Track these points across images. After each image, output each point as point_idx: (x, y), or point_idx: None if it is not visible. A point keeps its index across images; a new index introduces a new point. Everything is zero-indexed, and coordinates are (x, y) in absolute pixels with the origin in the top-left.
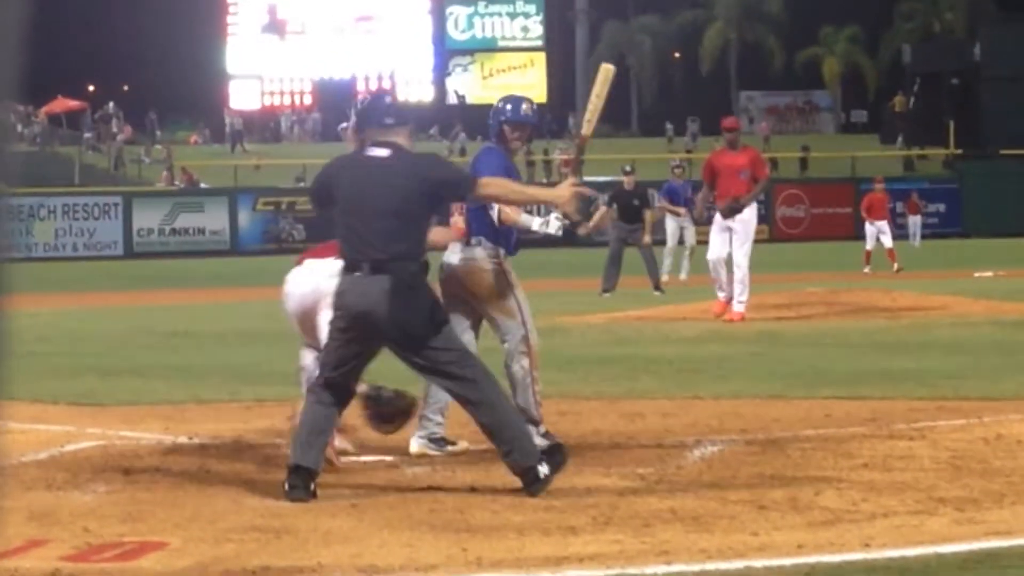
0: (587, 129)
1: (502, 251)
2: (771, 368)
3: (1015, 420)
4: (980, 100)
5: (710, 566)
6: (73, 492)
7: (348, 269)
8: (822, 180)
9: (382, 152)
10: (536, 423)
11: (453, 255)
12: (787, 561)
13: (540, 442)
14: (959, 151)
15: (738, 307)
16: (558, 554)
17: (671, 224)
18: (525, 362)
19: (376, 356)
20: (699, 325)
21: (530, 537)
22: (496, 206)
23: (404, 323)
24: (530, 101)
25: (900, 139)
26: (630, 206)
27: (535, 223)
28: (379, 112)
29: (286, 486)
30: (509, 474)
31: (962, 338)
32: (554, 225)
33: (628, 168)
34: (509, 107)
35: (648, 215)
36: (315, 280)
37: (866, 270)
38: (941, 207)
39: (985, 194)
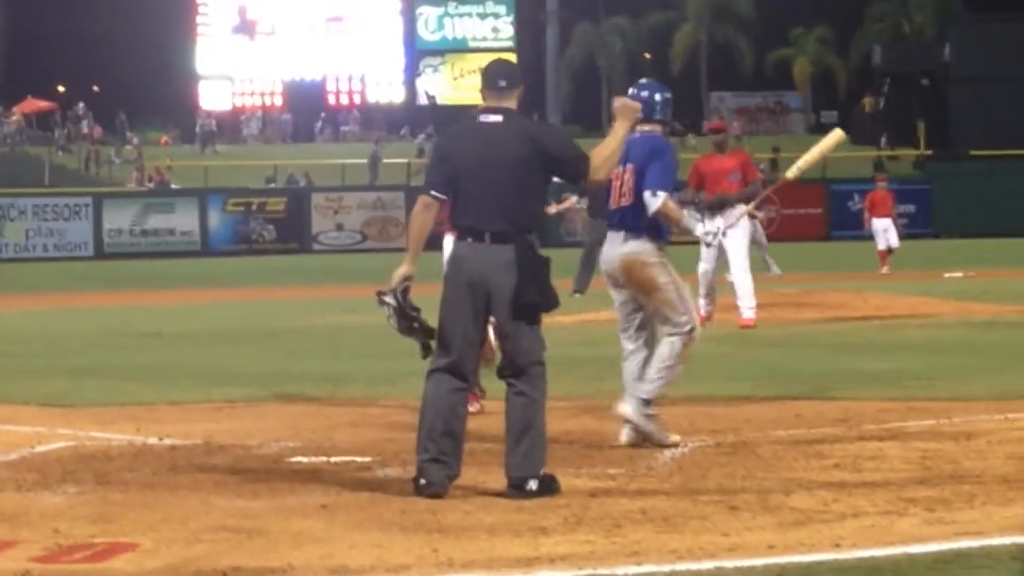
0: (793, 173)
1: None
2: (742, 369)
3: (985, 420)
4: (950, 101)
5: (681, 567)
6: (43, 493)
7: (467, 237)
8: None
9: (495, 118)
10: (648, 401)
11: (616, 246)
12: (758, 561)
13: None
14: (929, 152)
15: (748, 313)
16: (529, 555)
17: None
18: (679, 345)
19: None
20: None
21: (501, 538)
22: (661, 196)
23: (522, 294)
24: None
25: (884, 139)
26: (600, 198)
27: (698, 228)
28: (492, 75)
29: (420, 481)
30: (481, 475)
31: (932, 339)
32: (714, 239)
33: None
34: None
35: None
36: None
37: (884, 270)
38: (911, 208)
39: (955, 195)
